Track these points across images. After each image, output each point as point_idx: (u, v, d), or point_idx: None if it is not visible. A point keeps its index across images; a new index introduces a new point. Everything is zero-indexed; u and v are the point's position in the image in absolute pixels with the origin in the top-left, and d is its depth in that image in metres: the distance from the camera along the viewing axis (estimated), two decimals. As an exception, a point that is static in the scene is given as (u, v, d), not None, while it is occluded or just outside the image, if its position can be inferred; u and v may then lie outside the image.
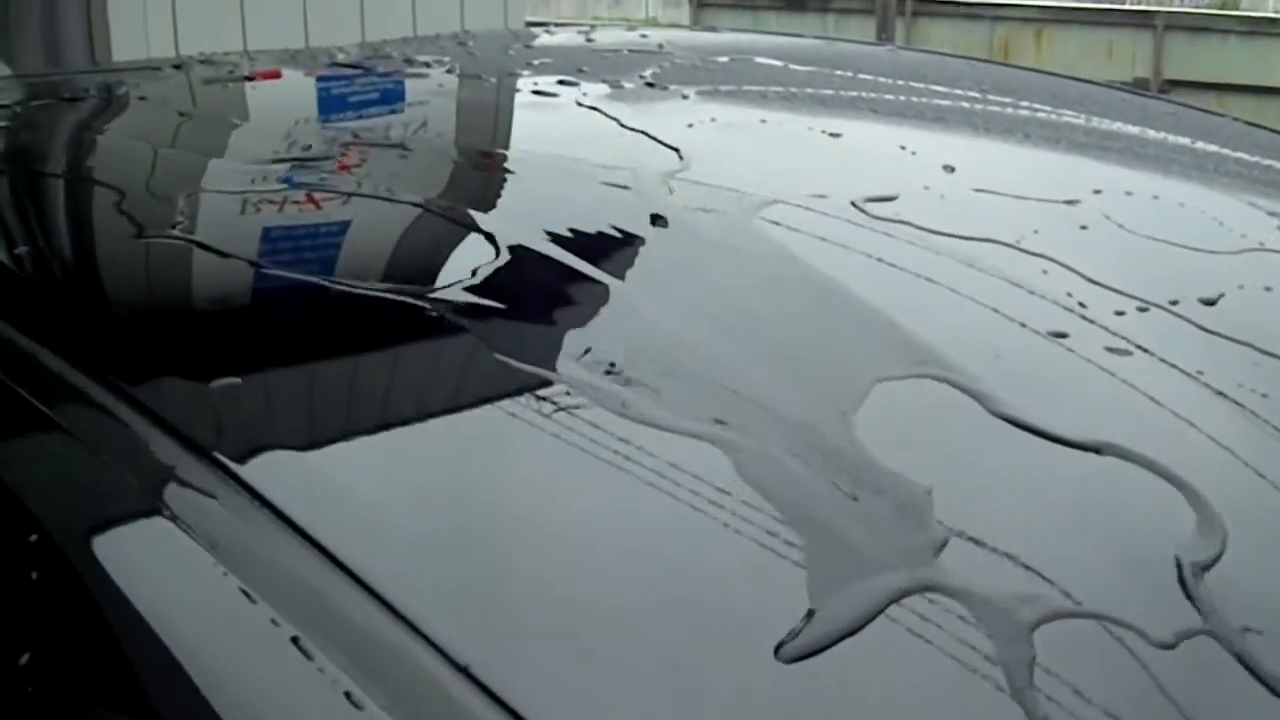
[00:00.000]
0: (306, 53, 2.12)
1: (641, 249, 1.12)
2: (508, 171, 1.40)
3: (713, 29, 2.19)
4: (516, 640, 0.68)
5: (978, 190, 1.38)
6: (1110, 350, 1.03)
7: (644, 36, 2.26)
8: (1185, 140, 1.80)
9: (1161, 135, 1.79)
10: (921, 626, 0.69)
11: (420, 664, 0.63)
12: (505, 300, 1.02)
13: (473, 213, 1.21)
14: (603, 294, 1.04)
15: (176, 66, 2.05)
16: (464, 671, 0.62)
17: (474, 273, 1.05)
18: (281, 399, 0.93)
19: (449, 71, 1.82)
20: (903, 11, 12.46)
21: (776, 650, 0.66)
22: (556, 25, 2.59)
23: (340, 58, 2.03)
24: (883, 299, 1.08)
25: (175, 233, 1.15)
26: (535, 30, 2.73)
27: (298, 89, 1.91)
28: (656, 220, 1.16)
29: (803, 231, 1.19)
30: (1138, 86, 10.44)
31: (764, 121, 1.62)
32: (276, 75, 1.95)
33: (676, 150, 1.39)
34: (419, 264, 1.16)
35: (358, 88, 1.79)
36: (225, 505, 0.73)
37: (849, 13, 12.90)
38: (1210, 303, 1.14)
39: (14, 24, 5.70)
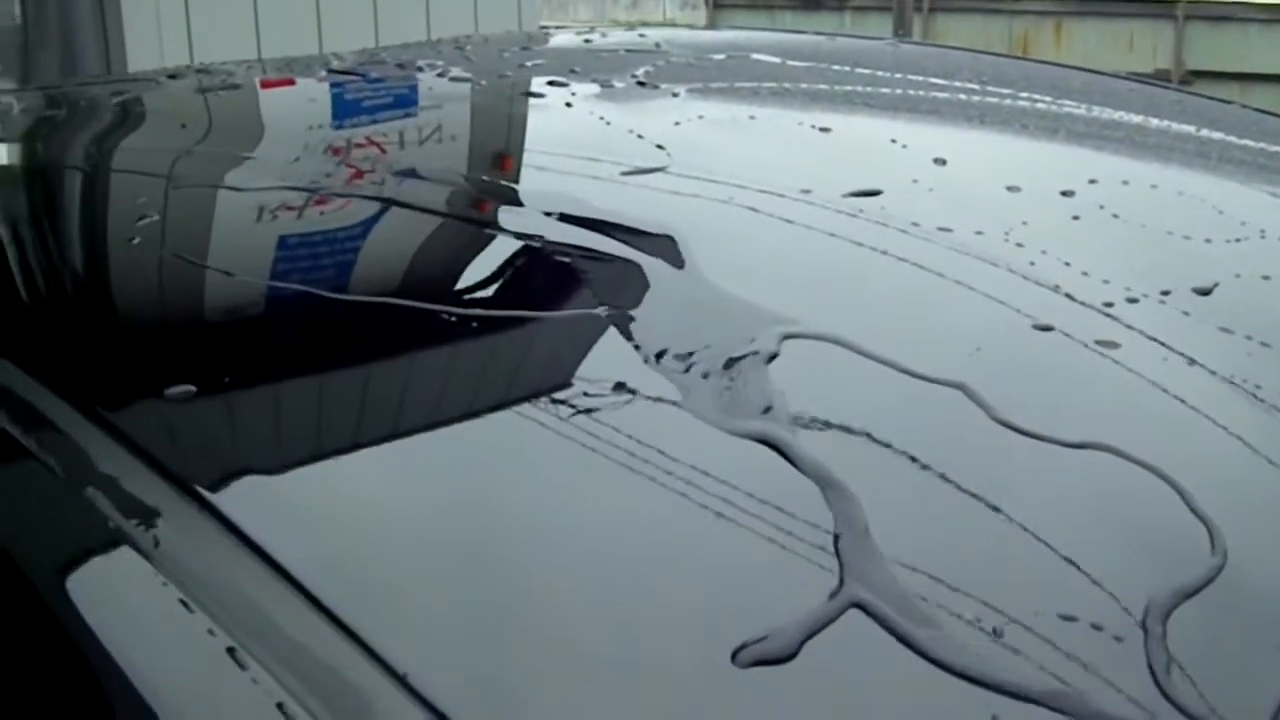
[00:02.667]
0: (301, 61, 2.11)
1: (601, 254, 1.09)
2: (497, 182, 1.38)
3: (714, 28, 2.17)
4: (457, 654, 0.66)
5: (968, 183, 1.35)
6: (1098, 343, 1.00)
7: (642, 36, 2.24)
8: (1189, 128, 1.77)
9: (1164, 124, 1.76)
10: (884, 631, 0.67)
11: (360, 676, 0.62)
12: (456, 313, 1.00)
13: (442, 217, 1.19)
14: (551, 308, 1.01)
15: (172, 76, 2.04)
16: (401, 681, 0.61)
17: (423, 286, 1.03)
18: (240, 414, 0.91)
19: (439, 76, 1.80)
20: (920, 7, 12.41)
21: (734, 656, 0.64)
22: (556, 28, 2.57)
23: (334, 64, 2.02)
24: (854, 295, 1.06)
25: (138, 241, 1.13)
26: (546, 33, 2.71)
27: (295, 96, 1.90)
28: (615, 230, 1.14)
29: (780, 226, 1.16)
30: (1159, 78, 10.37)
31: (753, 118, 1.60)
32: (289, 82, 1.93)
33: (662, 147, 1.37)
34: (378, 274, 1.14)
35: (346, 94, 1.78)
36: (169, 518, 0.72)
37: (866, 10, 12.85)
38: (1205, 292, 1.12)
39: (32, 35, 5.74)
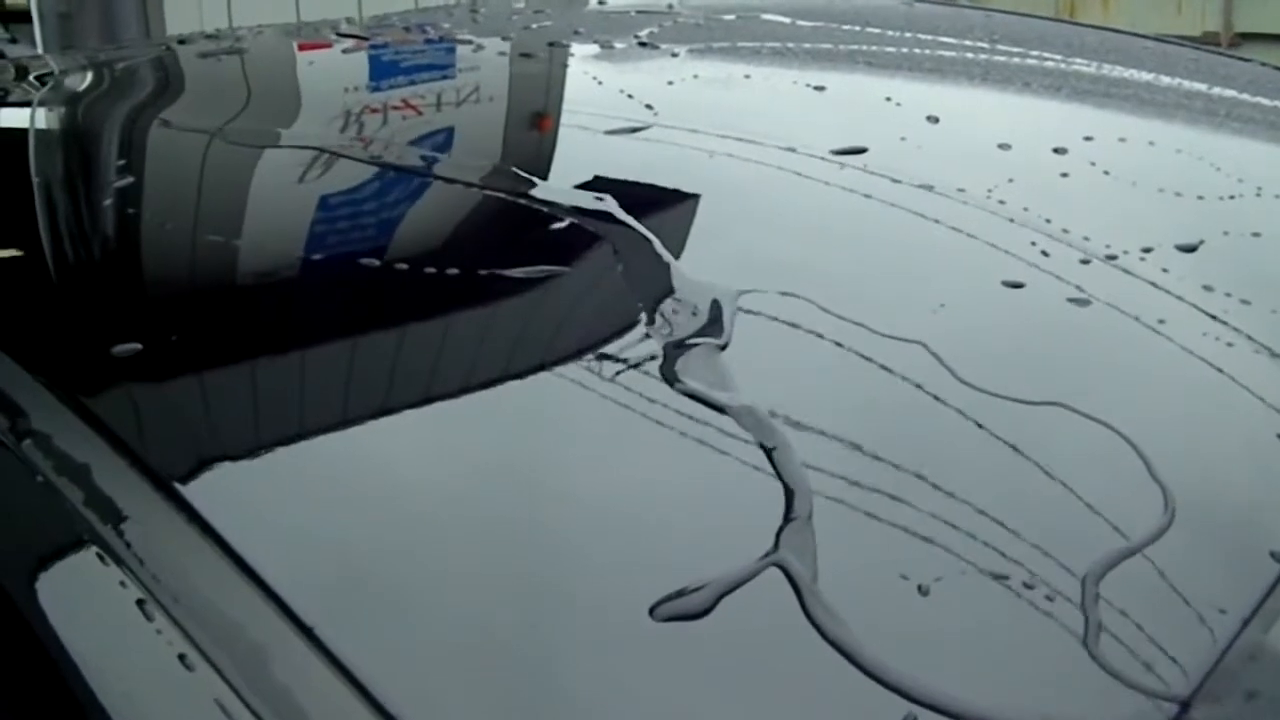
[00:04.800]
0: (310, 26, 2.11)
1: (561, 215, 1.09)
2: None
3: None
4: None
5: (958, 140, 1.34)
6: (1069, 300, 0.98)
7: (656, -3, 2.23)
8: (1199, 86, 1.74)
9: (1173, 81, 1.73)
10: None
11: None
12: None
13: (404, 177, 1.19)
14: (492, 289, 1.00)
15: (181, 42, 2.04)
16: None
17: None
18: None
19: (440, 40, 1.80)
20: (967, -30, 12.24)
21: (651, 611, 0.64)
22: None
23: (343, 28, 2.02)
24: (823, 251, 1.05)
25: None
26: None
27: (311, 60, 1.90)
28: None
29: (759, 184, 1.15)
30: (1207, 41, 10.21)
31: (748, 77, 1.58)
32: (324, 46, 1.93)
33: (650, 106, 1.35)
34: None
35: (339, 60, 1.78)
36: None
37: (913, -27, 12.67)
38: (1189, 249, 1.10)
39: (73, 2, 5.79)
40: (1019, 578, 0.68)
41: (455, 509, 0.73)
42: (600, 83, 1.50)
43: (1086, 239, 1.08)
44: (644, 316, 0.90)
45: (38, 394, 0.82)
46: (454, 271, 0.97)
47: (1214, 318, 0.99)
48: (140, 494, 0.72)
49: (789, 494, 0.73)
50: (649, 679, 0.61)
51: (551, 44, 1.69)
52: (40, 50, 5.74)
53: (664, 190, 1.14)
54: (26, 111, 1.60)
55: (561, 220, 1.04)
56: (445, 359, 0.88)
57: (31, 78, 1.74)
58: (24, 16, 6.04)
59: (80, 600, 0.68)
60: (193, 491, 0.71)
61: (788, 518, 0.70)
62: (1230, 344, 0.96)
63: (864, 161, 1.19)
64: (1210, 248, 1.11)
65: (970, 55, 1.77)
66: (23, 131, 1.50)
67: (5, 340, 0.89)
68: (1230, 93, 1.71)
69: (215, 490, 0.73)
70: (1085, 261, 1.04)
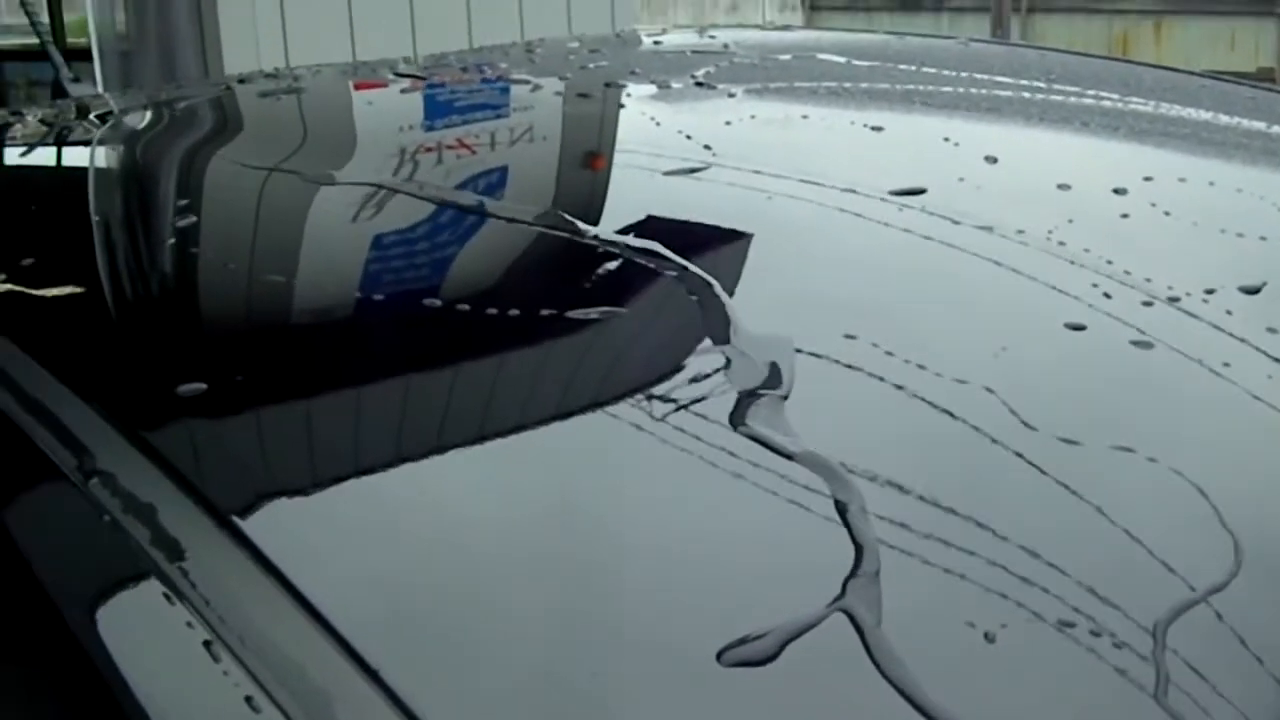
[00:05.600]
0: (366, 66, 2.13)
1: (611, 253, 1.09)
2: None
3: (787, 28, 2.17)
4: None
5: (1016, 181, 1.33)
6: (1132, 343, 0.98)
7: (711, 37, 2.24)
8: (1258, 124, 1.73)
9: (1232, 120, 1.72)
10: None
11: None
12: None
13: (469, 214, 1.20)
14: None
15: (242, 81, 2.07)
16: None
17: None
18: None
19: (497, 79, 1.81)
20: (1018, 8, 12.25)
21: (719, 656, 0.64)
22: (652, 31, 2.56)
23: (401, 67, 2.04)
24: (882, 293, 1.04)
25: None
26: (613, 36, 2.71)
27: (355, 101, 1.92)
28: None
29: (817, 225, 1.15)
30: (1261, 77, 10.14)
31: (806, 117, 1.59)
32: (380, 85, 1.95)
33: (709, 147, 1.36)
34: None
35: (397, 99, 1.79)
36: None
37: (963, 11, 12.71)
38: (1253, 291, 1.09)
39: (132, 39, 5.87)
40: (1087, 626, 0.68)
41: (523, 551, 0.73)
42: (658, 123, 1.51)
43: (1148, 280, 1.07)
44: (707, 360, 0.90)
45: (104, 433, 0.83)
46: (523, 313, 0.98)
47: (1254, 376, 0.98)
48: (207, 534, 0.72)
49: (855, 541, 0.72)
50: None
51: (608, 84, 1.70)
52: (100, 88, 5.83)
53: (723, 232, 1.14)
54: (101, 149, 1.62)
55: (623, 262, 1.05)
56: (512, 401, 0.89)
57: (107, 116, 1.76)
58: (86, 54, 6.13)
59: (146, 640, 0.68)
60: (259, 532, 0.72)
61: (855, 566, 0.70)
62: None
63: (923, 202, 1.19)
64: (1275, 288, 1.10)
65: (1026, 95, 1.76)
66: (95, 170, 1.52)
67: (71, 379, 0.90)
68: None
69: (282, 531, 0.74)
70: (1148, 304, 1.03)
